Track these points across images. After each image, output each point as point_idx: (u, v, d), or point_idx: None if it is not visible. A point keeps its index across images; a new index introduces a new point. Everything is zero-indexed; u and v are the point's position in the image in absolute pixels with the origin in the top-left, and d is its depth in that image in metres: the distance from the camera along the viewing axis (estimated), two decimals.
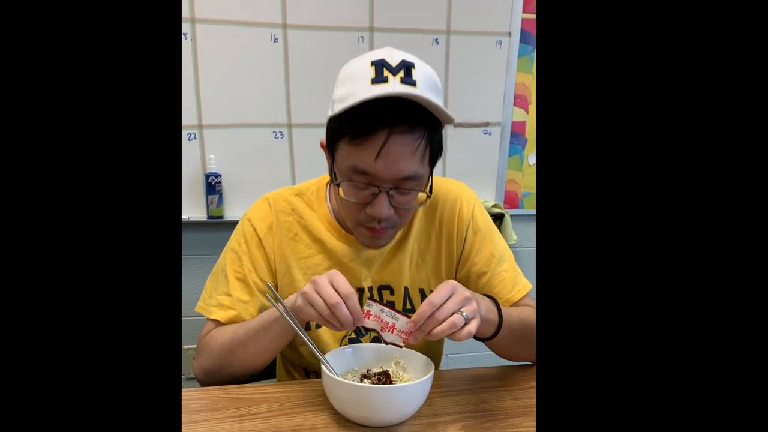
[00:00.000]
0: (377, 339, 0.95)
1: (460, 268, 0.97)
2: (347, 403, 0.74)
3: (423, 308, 0.70)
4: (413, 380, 0.76)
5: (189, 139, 1.70)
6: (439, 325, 0.69)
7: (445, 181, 0.99)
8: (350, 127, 0.77)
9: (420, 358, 0.81)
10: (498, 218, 1.92)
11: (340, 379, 0.76)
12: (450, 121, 0.79)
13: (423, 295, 0.96)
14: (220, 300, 0.92)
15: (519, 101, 1.89)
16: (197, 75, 1.66)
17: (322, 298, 0.72)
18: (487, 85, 1.86)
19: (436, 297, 0.70)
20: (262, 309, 0.92)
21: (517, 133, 1.92)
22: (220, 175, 1.72)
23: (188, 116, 1.68)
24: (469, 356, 2.07)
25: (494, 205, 1.90)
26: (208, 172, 1.71)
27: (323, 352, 0.82)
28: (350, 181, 0.80)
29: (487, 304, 0.79)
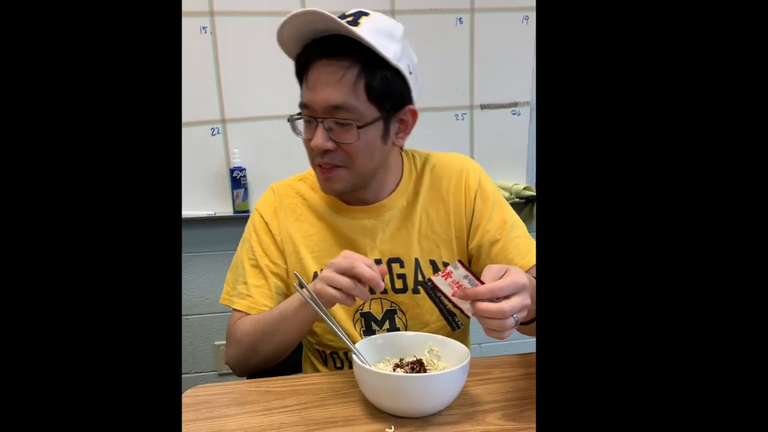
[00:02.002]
0: (391, 312, 0.94)
1: (471, 237, 0.95)
2: (381, 394, 0.71)
3: (483, 290, 0.67)
4: (448, 369, 0.73)
5: (212, 134, 1.69)
6: (494, 319, 0.67)
7: (450, 155, 1.00)
8: (296, 69, 0.87)
9: (455, 346, 0.78)
10: (529, 201, 1.87)
11: (373, 368, 0.73)
12: (389, 57, 0.81)
13: (434, 267, 0.95)
14: (240, 289, 0.95)
15: None
16: (218, 69, 1.65)
17: (339, 272, 0.74)
18: (514, 64, 1.80)
19: (502, 288, 0.67)
20: (277, 290, 0.95)
21: None
22: (244, 169, 1.70)
23: (211, 111, 1.67)
24: (503, 344, 2.02)
25: (525, 188, 1.85)
26: (232, 166, 1.70)
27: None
28: (301, 117, 0.86)
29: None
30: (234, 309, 0.95)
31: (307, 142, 0.86)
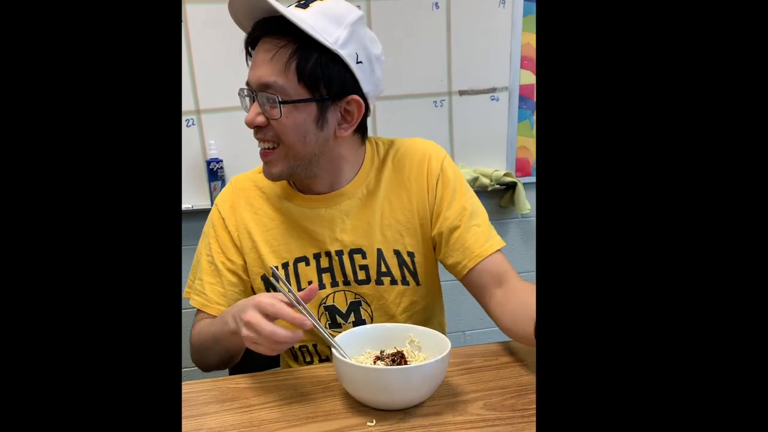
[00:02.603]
0: (356, 304, 0.94)
1: (433, 224, 0.93)
2: (361, 387, 0.71)
3: None
4: (429, 359, 0.72)
5: (187, 126, 1.66)
6: None
7: (413, 140, 0.97)
8: (245, 46, 0.87)
9: (436, 337, 0.77)
10: (510, 187, 1.87)
11: (353, 362, 0.72)
12: (326, 44, 0.80)
13: (399, 257, 0.93)
14: (196, 285, 0.96)
15: (526, 63, 1.81)
16: (191, 58, 1.61)
17: (265, 339, 0.71)
18: (492, 49, 1.78)
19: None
20: (232, 287, 0.94)
21: (525, 97, 1.84)
22: (221, 161, 1.67)
23: (185, 102, 1.63)
24: (487, 332, 2.03)
25: (505, 174, 1.84)
26: (209, 158, 1.67)
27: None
28: (242, 93, 0.87)
29: None
30: (191, 304, 0.96)
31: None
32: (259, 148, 0.87)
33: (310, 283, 0.92)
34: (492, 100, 1.82)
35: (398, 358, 0.76)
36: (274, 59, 0.81)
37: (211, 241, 0.95)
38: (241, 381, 0.81)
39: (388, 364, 0.74)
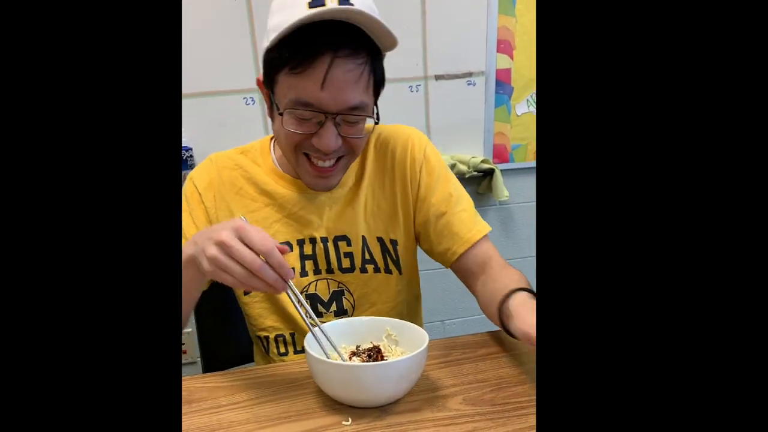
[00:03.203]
0: (338, 293, 0.91)
1: (417, 211, 0.92)
2: (336, 385, 0.68)
3: None
4: (407, 354, 0.70)
5: None
6: None
7: (395, 126, 0.95)
8: (291, 56, 0.72)
9: (413, 330, 0.74)
10: (487, 174, 1.85)
11: (326, 359, 0.69)
12: (393, 44, 0.76)
13: (383, 245, 0.92)
14: None
15: (502, 47, 1.79)
16: None
17: (240, 263, 0.61)
18: (467, 32, 1.75)
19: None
20: None
21: (502, 81, 1.82)
22: (191, 149, 1.62)
23: None
24: (467, 320, 2.02)
25: (483, 161, 1.82)
26: None
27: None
28: (294, 111, 0.76)
29: None
30: None
31: (300, 136, 0.78)
32: (315, 163, 0.81)
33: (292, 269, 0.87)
34: (468, 85, 1.79)
35: (374, 353, 0.73)
36: (360, 80, 0.74)
37: (183, 215, 0.89)
38: (210, 380, 0.77)
39: (364, 360, 0.71)
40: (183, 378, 0.78)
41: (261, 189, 0.90)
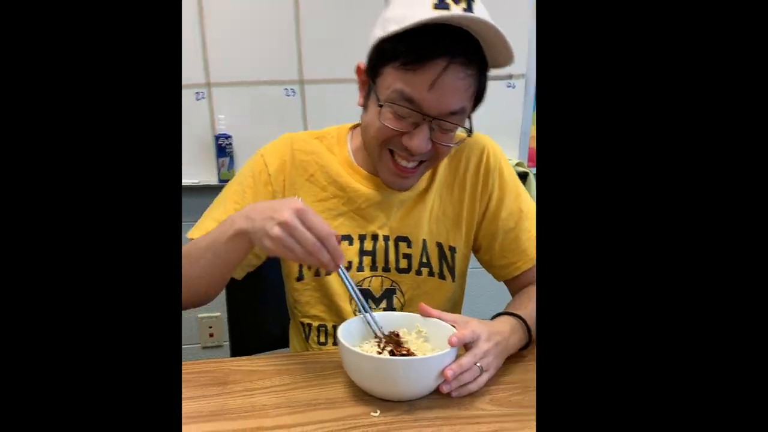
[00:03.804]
0: (390, 291, 0.91)
1: (486, 222, 0.93)
2: (366, 376, 0.69)
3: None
4: (437, 351, 0.71)
5: (197, 99, 1.63)
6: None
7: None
8: (407, 51, 0.72)
9: (444, 328, 0.75)
10: (521, 177, 1.84)
11: (358, 350, 0.70)
12: (507, 60, 0.76)
13: (441, 250, 0.92)
14: (209, 226, 0.84)
15: None
16: (203, 30, 1.58)
17: (300, 244, 0.67)
18: (509, 35, 1.73)
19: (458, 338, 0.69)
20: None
21: None
22: (230, 137, 1.65)
23: (195, 74, 1.60)
24: None
25: (518, 164, 1.81)
26: (217, 133, 1.65)
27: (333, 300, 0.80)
28: (393, 106, 0.75)
29: (516, 337, 0.78)
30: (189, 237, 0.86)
31: (390, 131, 0.78)
32: (397, 162, 0.81)
33: (348, 265, 0.89)
34: (508, 87, 1.78)
35: (393, 341, 0.74)
36: (467, 90, 0.75)
37: (246, 191, 0.88)
38: (244, 363, 0.80)
39: (388, 353, 0.73)
40: (218, 360, 0.81)
41: (333, 179, 0.90)
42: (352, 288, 0.76)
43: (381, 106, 0.77)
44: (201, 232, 0.85)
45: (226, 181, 1.65)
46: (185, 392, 0.71)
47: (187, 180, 1.68)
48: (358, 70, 0.82)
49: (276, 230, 0.66)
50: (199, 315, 1.86)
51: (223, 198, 0.90)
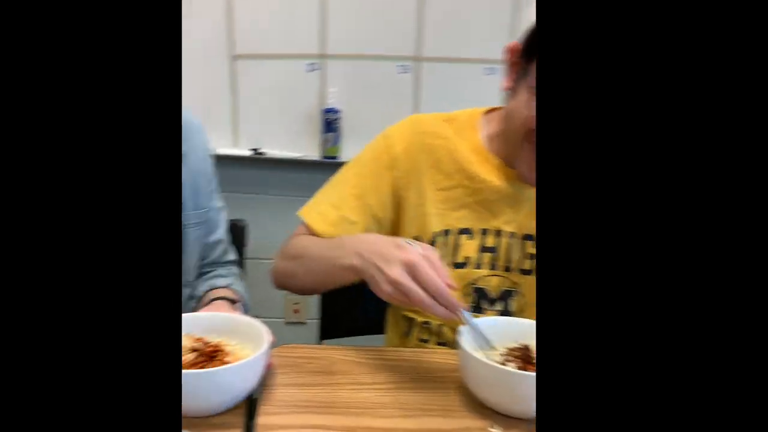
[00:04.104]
0: (509, 292, 0.85)
1: None
2: (486, 387, 0.62)
3: None
4: None
5: (309, 70, 1.60)
6: None
7: None
8: None
9: None
10: None
11: (482, 357, 0.64)
12: None
13: None
14: (325, 211, 0.82)
15: None
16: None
17: (412, 302, 0.62)
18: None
19: None
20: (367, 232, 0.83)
21: None
22: (339, 111, 1.61)
23: (310, 44, 1.57)
24: None
25: None
26: (326, 107, 1.62)
27: None
28: None
29: None
30: (304, 221, 0.83)
31: (534, 119, 0.72)
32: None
33: (464, 261, 0.83)
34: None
35: (523, 354, 0.67)
36: None
37: (367, 174, 0.83)
38: (350, 353, 0.75)
39: (517, 365, 0.65)
40: (325, 348, 0.77)
41: (461, 166, 0.83)
42: (476, 328, 0.67)
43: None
44: (315, 215, 0.82)
45: (330, 157, 1.65)
46: (295, 378, 0.68)
47: (289, 153, 1.67)
48: (510, 50, 0.75)
49: (387, 288, 0.63)
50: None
51: (341, 180, 0.86)
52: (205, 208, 0.91)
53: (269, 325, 0.64)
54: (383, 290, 0.63)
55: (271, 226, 1.81)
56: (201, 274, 0.94)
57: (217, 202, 0.96)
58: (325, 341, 1.15)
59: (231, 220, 1.04)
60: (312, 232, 0.82)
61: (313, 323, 1.16)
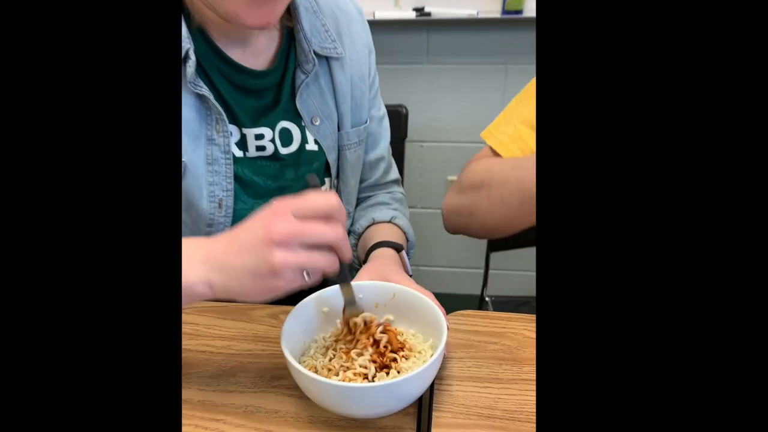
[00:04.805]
0: None
1: None
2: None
3: None
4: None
5: None
6: None
7: None
8: None
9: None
10: None
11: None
12: None
13: None
14: (505, 131, 0.71)
15: None
16: None
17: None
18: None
19: None
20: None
21: None
22: None
23: None
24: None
25: None
26: None
27: None
28: None
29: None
30: (487, 143, 0.73)
31: None
32: None
33: None
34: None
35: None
36: None
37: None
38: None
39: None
40: (502, 314, 0.66)
41: None
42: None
43: None
44: (500, 137, 0.71)
45: (514, 11, 1.34)
46: (469, 367, 0.56)
47: (462, 10, 1.44)
48: None
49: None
50: (448, 178, 1.71)
51: (517, 101, 0.73)
52: (365, 121, 0.76)
53: None
54: None
55: (442, 99, 1.58)
56: (359, 201, 0.82)
57: (379, 110, 0.81)
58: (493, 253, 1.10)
59: (387, 106, 0.84)
60: (494, 153, 0.72)
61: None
